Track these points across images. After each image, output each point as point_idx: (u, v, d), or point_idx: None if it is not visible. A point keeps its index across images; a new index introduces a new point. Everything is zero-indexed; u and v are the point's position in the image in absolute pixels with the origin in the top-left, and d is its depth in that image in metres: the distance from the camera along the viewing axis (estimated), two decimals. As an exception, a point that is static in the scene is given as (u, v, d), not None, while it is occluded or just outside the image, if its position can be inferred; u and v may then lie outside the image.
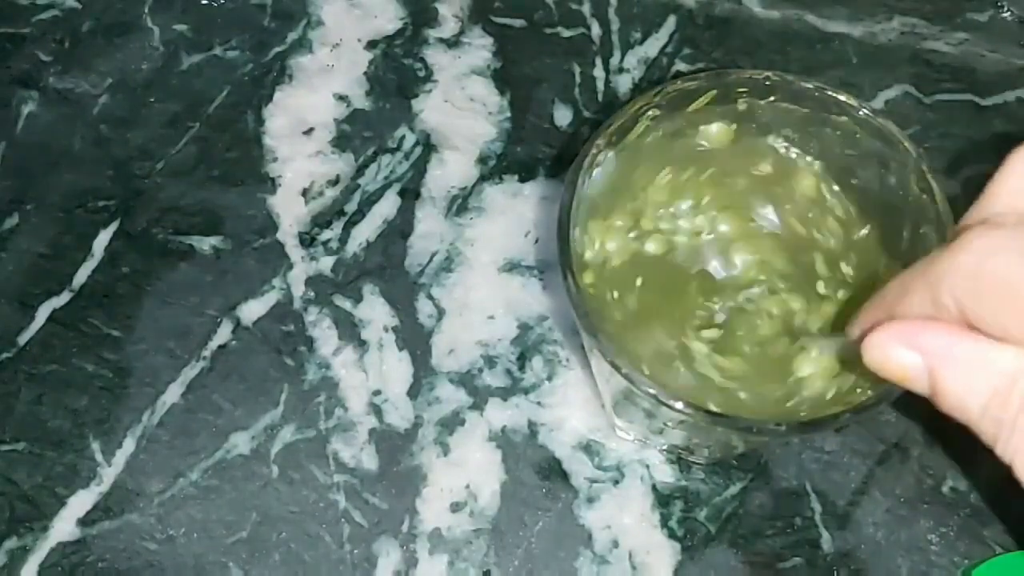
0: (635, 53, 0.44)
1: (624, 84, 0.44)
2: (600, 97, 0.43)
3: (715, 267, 0.30)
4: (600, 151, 0.29)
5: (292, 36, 0.45)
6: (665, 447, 0.36)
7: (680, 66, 0.44)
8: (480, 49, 0.44)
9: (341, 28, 0.45)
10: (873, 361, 0.23)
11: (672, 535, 0.35)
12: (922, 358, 0.22)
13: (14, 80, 0.44)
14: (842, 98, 0.29)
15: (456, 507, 0.36)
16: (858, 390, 0.27)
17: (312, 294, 0.39)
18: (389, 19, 0.45)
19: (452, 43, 0.45)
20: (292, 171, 0.42)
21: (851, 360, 0.26)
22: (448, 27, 0.45)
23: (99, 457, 0.36)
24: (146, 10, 0.45)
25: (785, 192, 0.31)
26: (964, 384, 0.21)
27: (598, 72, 0.44)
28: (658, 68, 0.44)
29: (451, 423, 0.37)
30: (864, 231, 0.30)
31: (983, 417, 0.21)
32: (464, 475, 0.36)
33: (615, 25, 0.45)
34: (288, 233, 0.40)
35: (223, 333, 0.39)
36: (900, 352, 0.22)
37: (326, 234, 0.40)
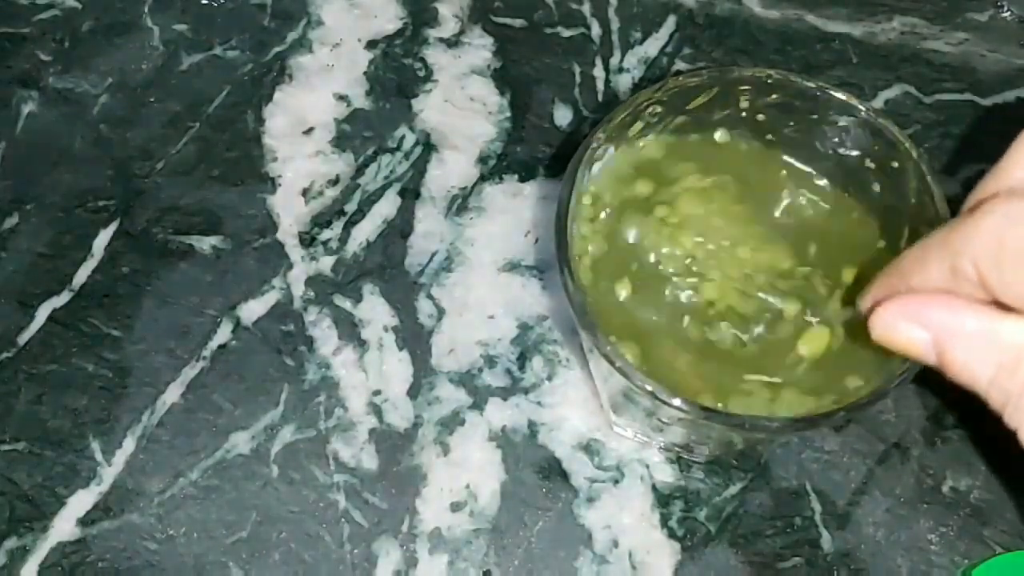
0: (635, 53, 0.44)
1: (624, 84, 0.44)
2: (600, 97, 0.43)
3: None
4: (600, 146, 0.29)
5: (292, 36, 0.45)
6: (664, 445, 0.36)
7: (680, 66, 0.44)
8: (480, 49, 0.44)
9: (341, 28, 0.45)
10: (880, 335, 0.24)
11: (672, 535, 0.35)
12: (929, 333, 0.22)
13: (14, 80, 0.44)
14: (842, 98, 0.29)
15: (456, 507, 0.36)
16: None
17: (312, 294, 0.39)
18: (389, 19, 0.45)
19: (452, 43, 0.45)
20: (292, 171, 0.42)
21: (860, 334, 0.26)
22: (448, 27, 0.45)
23: (99, 457, 0.36)
24: (146, 10, 0.45)
25: (785, 192, 0.31)
26: (971, 358, 0.22)
27: (598, 72, 0.44)
28: (658, 68, 0.44)
29: (451, 423, 0.37)
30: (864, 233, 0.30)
31: (990, 388, 0.22)
32: (464, 475, 0.36)
33: (615, 25, 0.45)
34: (288, 233, 0.40)
35: (223, 333, 0.39)
36: (907, 327, 0.23)
37: (326, 234, 0.40)
